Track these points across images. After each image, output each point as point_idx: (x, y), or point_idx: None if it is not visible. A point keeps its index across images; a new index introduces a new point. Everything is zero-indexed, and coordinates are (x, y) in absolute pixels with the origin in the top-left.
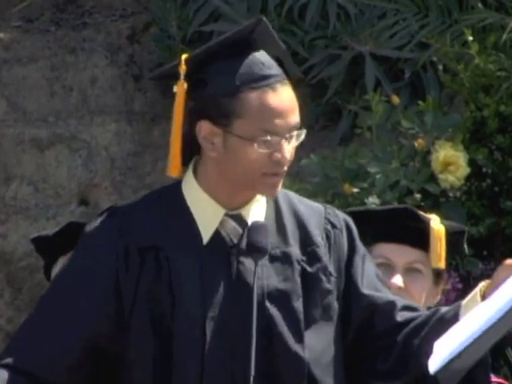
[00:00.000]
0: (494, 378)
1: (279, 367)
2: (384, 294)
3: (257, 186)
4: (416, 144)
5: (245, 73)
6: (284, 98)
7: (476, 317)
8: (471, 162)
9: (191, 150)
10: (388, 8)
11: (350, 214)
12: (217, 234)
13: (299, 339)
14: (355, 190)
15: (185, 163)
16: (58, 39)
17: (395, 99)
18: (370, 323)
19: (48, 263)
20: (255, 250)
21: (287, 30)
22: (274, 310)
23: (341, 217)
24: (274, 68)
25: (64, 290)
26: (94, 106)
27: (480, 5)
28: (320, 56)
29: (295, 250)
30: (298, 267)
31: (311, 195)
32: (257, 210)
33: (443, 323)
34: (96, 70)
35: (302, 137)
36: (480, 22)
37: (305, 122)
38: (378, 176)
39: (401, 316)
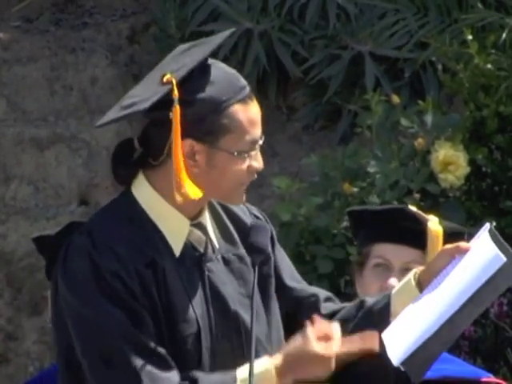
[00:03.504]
0: (493, 378)
1: None
2: (306, 286)
3: (234, 197)
4: (416, 144)
5: (227, 87)
6: (257, 106)
7: (428, 305)
8: (471, 162)
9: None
10: (388, 8)
11: (349, 213)
12: (184, 245)
13: (269, 340)
14: (355, 189)
15: (131, 177)
16: (58, 39)
17: (395, 99)
18: (295, 316)
19: (49, 263)
20: (255, 251)
21: (287, 30)
22: (245, 317)
23: (256, 208)
24: (242, 77)
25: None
26: (94, 105)
27: (479, 4)
28: (320, 56)
29: (244, 252)
30: (251, 268)
31: (311, 195)
32: (207, 216)
33: (372, 314)
34: (96, 69)
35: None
36: (479, 22)
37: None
38: (377, 176)
39: (325, 308)
